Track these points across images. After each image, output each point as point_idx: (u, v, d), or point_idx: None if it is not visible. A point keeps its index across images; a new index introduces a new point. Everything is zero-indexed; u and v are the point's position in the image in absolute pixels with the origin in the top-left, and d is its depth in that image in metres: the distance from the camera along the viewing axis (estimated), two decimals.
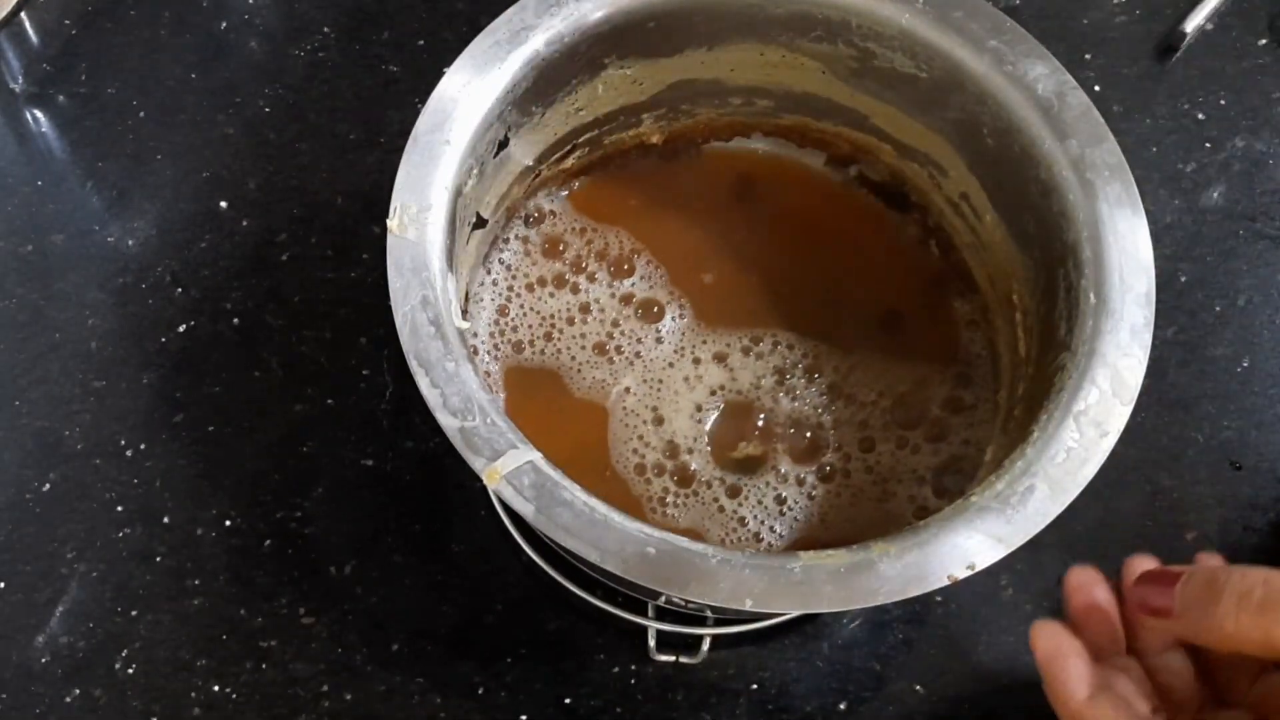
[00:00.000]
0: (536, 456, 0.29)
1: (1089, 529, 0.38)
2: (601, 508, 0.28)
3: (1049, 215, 0.33)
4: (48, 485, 0.38)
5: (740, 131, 0.40)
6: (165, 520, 0.38)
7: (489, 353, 0.38)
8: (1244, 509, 0.39)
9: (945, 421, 0.37)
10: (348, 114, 0.44)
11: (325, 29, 0.46)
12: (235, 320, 0.41)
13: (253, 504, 0.38)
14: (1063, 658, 0.27)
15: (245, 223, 0.42)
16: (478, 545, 0.38)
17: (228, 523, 0.38)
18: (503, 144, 0.35)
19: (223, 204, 0.43)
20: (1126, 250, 0.32)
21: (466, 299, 0.38)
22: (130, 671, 0.36)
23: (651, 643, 0.36)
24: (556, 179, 0.39)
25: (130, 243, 0.42)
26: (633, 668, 0.36)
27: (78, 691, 0.35)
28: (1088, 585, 0.28)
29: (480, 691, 0.36)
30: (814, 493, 0.36)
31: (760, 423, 0.37)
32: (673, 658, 0.36)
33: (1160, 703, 0.27)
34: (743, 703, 0.36)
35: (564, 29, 0.34)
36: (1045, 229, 0.34)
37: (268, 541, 0.37)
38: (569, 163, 0.39)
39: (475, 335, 0.38)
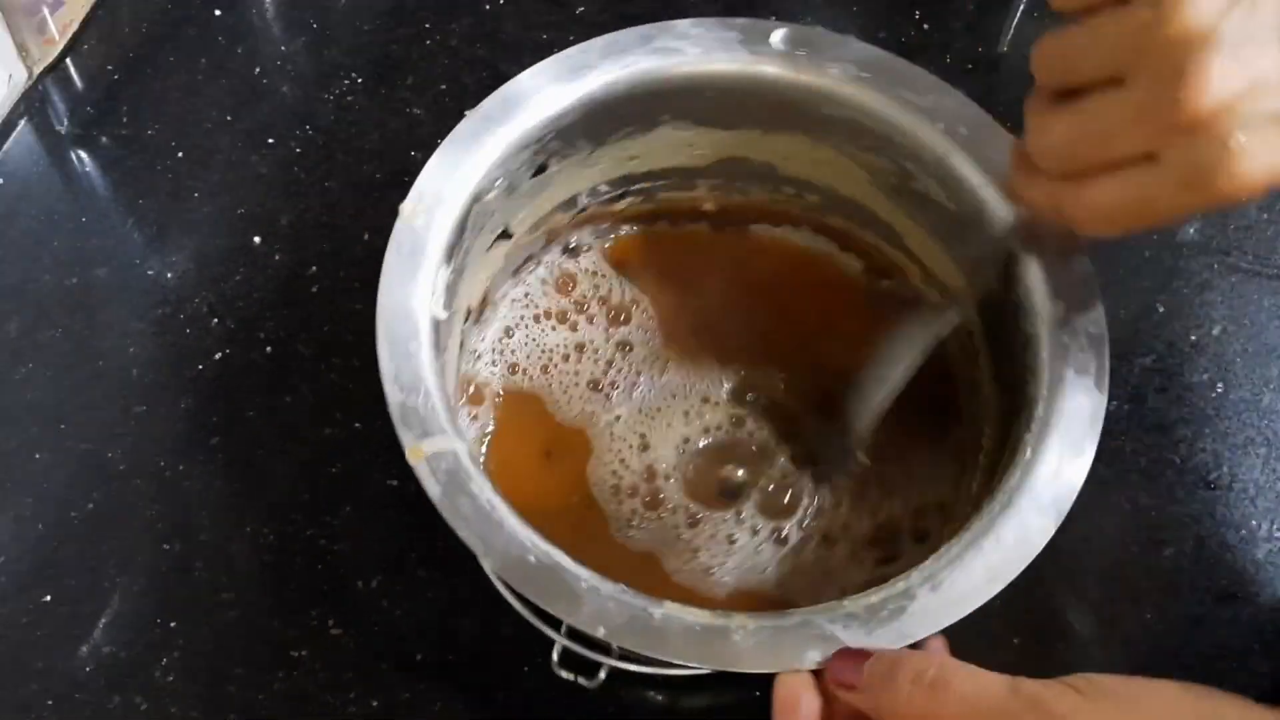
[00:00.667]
0: (461, 447, 0.30)
1: (1072, 545, 0.40)
2: (503, 509, 0.30)
3: (1023, 367, 0.34)
4: (91, 504, 0.40)
5: (790, 220, 0.41)
6: (202, 537, 0.39)
7: (490, 364, 0.39)
8: (1219, 526, 0.41)
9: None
10: (374, 155, 0.46)
11: (353, 75, 0.48)
12: (268, 349, 0.43)
13: (284, 522, 0.40)
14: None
15: (278, 257, 0.44)
16: None
17: (261, 539, 0.39)
18: (541, 168, 0.36)
19: (256, 239, 0.45)
20: (1075, 418, 0.32)
21: (484, 303, 0.39)
22: (170, 679, 0.37)
23: (555, 656, 0.35)
24: (605, 218, 0.40)
25: (169, 276, 0.44)
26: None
27: (119, 699, 0.37)
28: (795, 694, 0.30)
29: (500, 698, 0.38)
30: (761, 546, 0.37)
31: (742, 471, 0.38)
32: (571, 677, 0.35)
33: None
34: None
35: (622, 76, 0.35)
36: (1018, 379, 0.34)
37: (298, 557, 0.39)
38: (619, 206, 0.40)
39: (483, 340, 0.39)
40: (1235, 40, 0.26)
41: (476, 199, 0.34)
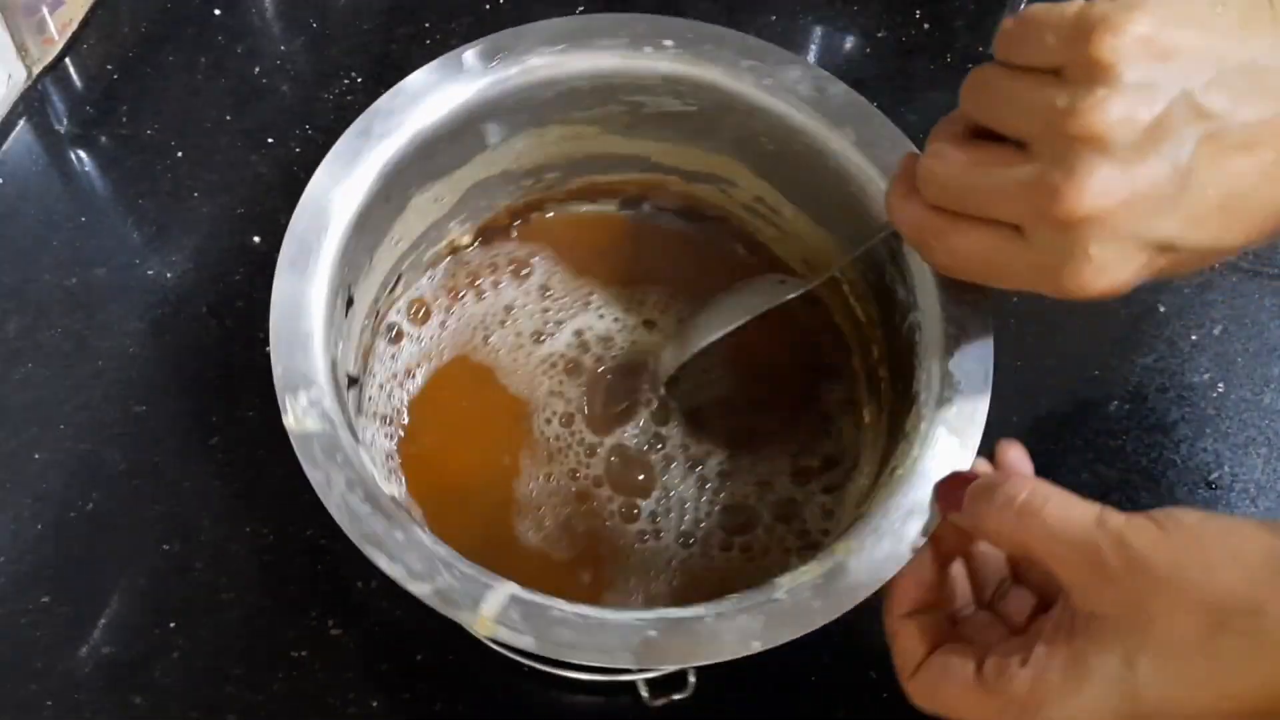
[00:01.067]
0: (513, 588, 0.30)
1: None
2: (589, 611, 0.30)
3: (849, 198, 0.36)
4: (91, 504, 0.40)
5: (536, 208, 0.42)
6: (202, 538, 0.39)
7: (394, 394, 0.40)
8: None
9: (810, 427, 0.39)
10: None
11: (353, 75, 0.48)
12: (268, 349, 0.42)
13: (284, 522, 0.40)
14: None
15: (277, 256, 0.44)
16: None
17: (261, 540, 0.39)
18: (350, 302, 0.36)
19: (256, 239, 0.45)
20: (961, 413, 0.33)
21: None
22: (169, 680, 0.37)
23: (644, 693, 0.36)
24: (389, 307, 0.41)
25: (169, 275, 0.44)
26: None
27: (119, 699, 0.37)
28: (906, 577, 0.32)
29: (500, 699, 0.38)
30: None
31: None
32: (664, 700, 0.36)
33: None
34: None
35: (376, 173, 0.35)
36: (849, 210, 0.36)
37: (298, 558, 0.39)
38: (397, 290, 0.40)
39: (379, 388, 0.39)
40: (1127, 152, 0.26)
41: (334, 367, 0.34)
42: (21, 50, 0.46)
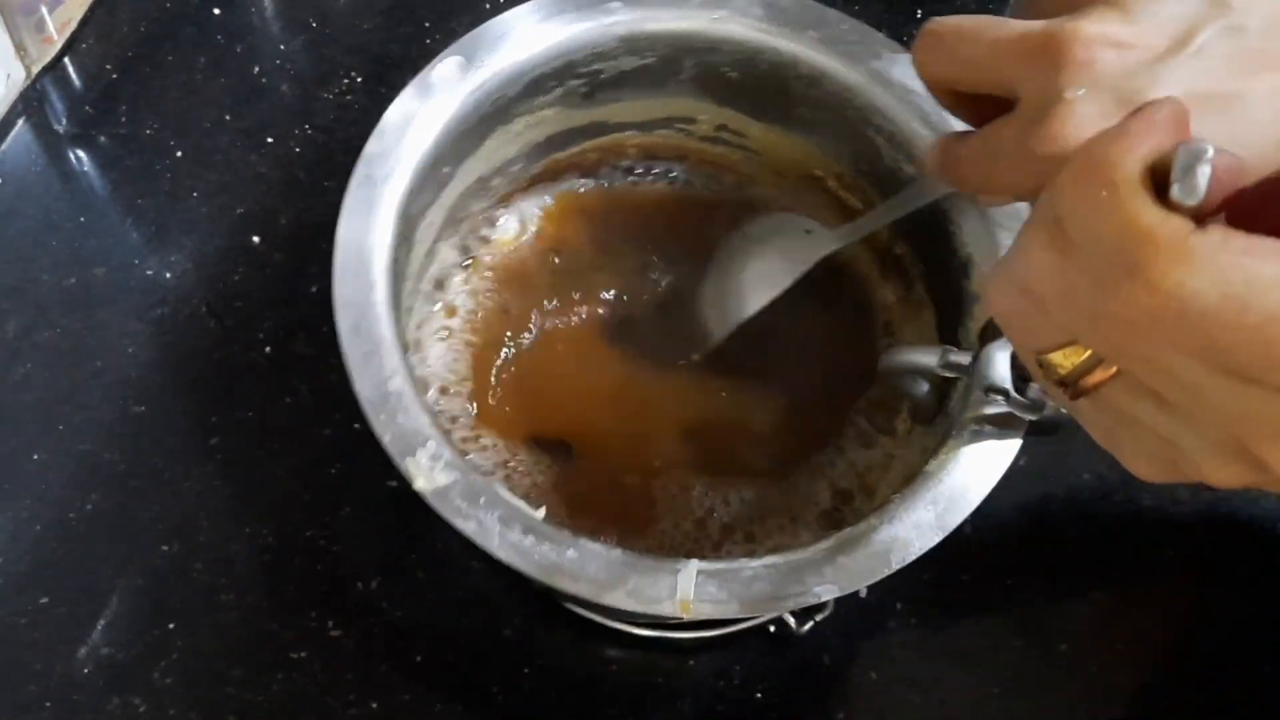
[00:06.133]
0: (695, 564, 0.30)
1: (1073, 545, 0.40)
2: (776, 559, 0.30)
3: (827, 96, 0.38)
4: (90, 505, 0.40)
5: (500, 203, 0.42)
6: (201, 538, 0.39)
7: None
8: (1220, 527, 0.41)
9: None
10: None
11: (353, 74, 0.48)
12: (267, 349, 0.43)
13: (284, 523, 0.40)
14: None
15: (277, 256, 0.44)
16: (496, 563, 0.40)
17: (260, 540, 0.39)
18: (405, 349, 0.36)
19: (255, 239, 0.45)
20: (914, 75, 0.33)
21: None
22: (168, 681, 0.37)
23: (791, 621, 0.37)
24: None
25: (168, 275, 0.44)
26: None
27: (118, 700, 0.37)
28: None
29: (500, 699, 0.38)
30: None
31: None
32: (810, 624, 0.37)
33: None
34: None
35: (395, 217, 0.35)
36: (827, 107, 0.38)
37: (298, 558, 0.39)
38: (409, 328, 0.40)
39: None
40: (1135, 10, 0.26)
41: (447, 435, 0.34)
42: (20, 50, 0.46)
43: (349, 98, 0.48)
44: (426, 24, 0.49)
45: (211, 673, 0.37)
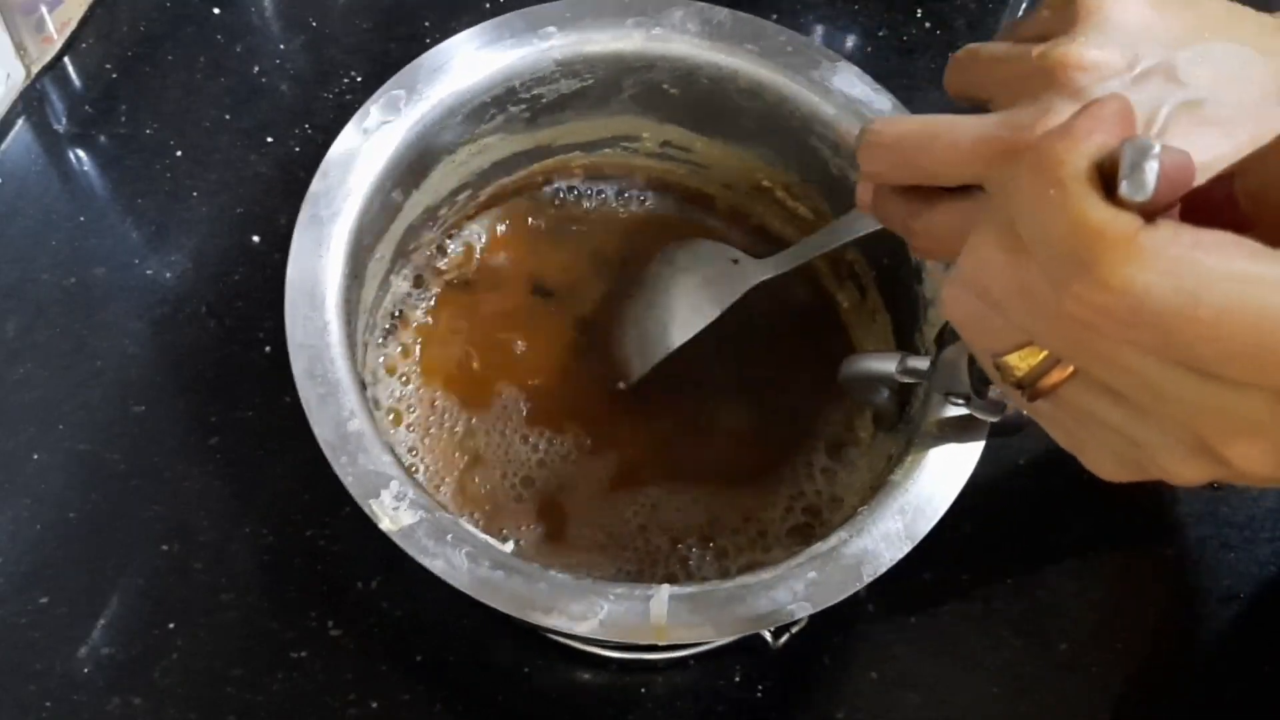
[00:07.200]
0: (667, 589, 0.30)
1: (1073, 546, 0.40)
2: (749, 579, 0.30)
3: (769, 107, 0.38)
4: (90, 505, 0.40)
5: (449, 232, 0.43)
6: (201, 538, 0.39)
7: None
8: (1220, 527, 0.41)
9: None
10: None
11: (353, 74, 0.48)
12: (267, 349, 0.43)
13: (284, 522, 0.40)
14: None
15: (276, 256, 0.44)
16: None
17: (260, 540, 0.39)
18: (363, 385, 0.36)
19: (255, 239, 0.45)
20: (854, 83, 0.35)
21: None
22: (168, 681, 0.37)
23: (767, 636, 0.36)
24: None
25: (168, 275, 0.44)
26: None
27: (118, 700, 0.37)
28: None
29: (500, 699, 0.38)
30: None
31: None
32: (785, 637, 0.36)
33: None
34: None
35: (344, 255, 0.36)
36: (770, 118, 0.38)
37: (298, 558, 0.39)
38: (367, 361, 0.40)
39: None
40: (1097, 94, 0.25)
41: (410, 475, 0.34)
42: (20, 49, 0.46)
43: (349, 98, 0.48)
44: (426, 24, 0.49)
45: (211, 673, 0.37)
